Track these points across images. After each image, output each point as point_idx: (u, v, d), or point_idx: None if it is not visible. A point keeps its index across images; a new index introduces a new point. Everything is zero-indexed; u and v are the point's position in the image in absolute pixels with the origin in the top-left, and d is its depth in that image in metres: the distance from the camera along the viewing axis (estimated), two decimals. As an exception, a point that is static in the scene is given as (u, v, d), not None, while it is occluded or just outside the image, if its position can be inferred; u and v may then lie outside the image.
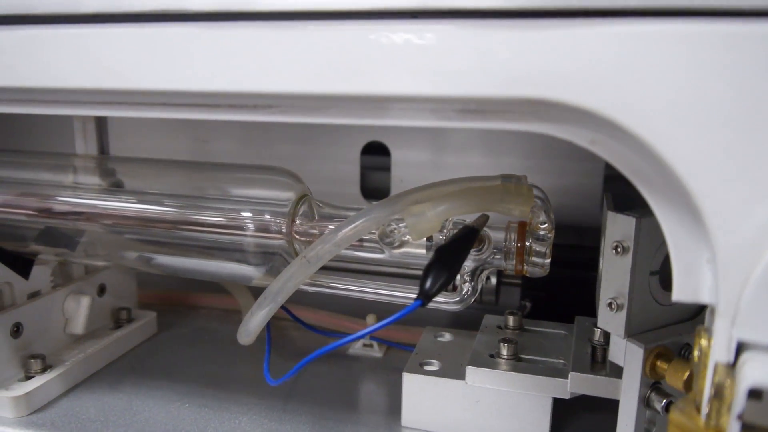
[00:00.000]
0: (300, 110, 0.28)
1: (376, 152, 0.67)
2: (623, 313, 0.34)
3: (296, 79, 0.25)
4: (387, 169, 0.66)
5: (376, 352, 0.52)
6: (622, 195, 0.35)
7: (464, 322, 0.51)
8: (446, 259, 0.32)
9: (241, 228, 0.39)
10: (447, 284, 0.31)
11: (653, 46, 0.21)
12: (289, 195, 0.39)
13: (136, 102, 0.30)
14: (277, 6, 0.25)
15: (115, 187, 0.46)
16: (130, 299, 0.56)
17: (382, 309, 0.46)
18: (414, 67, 0.24)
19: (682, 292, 0.24)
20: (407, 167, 0.66)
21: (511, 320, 0.45)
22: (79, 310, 0.49)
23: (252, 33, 0.26)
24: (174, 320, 0.59)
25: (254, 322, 0.39)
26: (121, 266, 0.54)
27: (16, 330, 0.45)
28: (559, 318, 0.47)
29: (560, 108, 0.23)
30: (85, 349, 0.49)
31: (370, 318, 0.53)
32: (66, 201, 0.44)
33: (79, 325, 0.50)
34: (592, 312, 0.42)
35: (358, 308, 0.52)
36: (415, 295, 0.34)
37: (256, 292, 0.45)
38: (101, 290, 0.53)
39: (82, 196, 0.44)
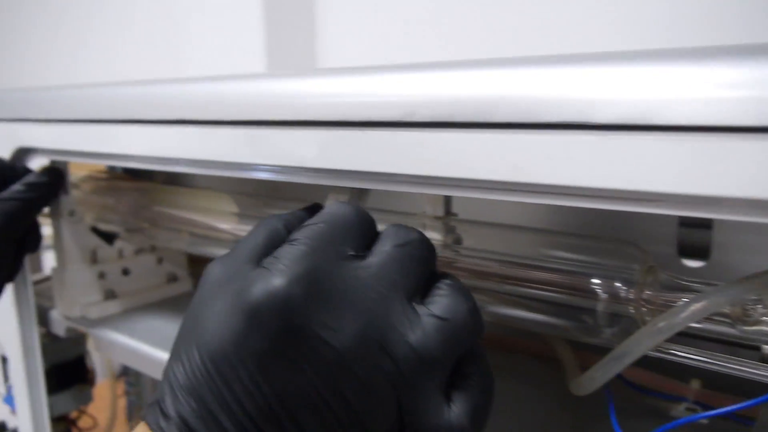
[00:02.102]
0: (668, 205, 0.32)
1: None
2: None
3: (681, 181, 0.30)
4: (708, 226, 0.65)
5: (701, 418, 0.53)
6: None
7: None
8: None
9: (593, 292, 0.43)
10: (819, 370, 0.32)
11: None
12: (636, 265, 0.43)
13: (528, 191, 0.36)
14: (668, 120, 0.30)
15: (457, 244, 0.54)
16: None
17: (703, 374, 0.46)
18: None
19: None
20: (730, 228, 0.64)
21: None
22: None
23: (647, 141, 0.30)
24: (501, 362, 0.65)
25: (598, 377, 0.43)
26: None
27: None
28: None
29: None
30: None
31: (695, 383, 0.54)
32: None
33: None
34: None
35: (673, 367, 0.53)
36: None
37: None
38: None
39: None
